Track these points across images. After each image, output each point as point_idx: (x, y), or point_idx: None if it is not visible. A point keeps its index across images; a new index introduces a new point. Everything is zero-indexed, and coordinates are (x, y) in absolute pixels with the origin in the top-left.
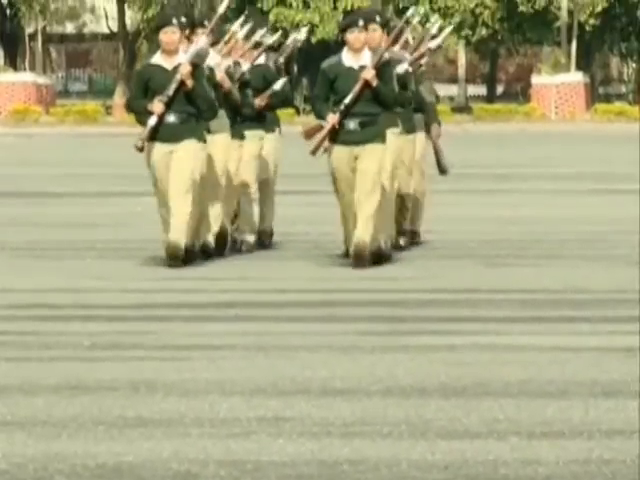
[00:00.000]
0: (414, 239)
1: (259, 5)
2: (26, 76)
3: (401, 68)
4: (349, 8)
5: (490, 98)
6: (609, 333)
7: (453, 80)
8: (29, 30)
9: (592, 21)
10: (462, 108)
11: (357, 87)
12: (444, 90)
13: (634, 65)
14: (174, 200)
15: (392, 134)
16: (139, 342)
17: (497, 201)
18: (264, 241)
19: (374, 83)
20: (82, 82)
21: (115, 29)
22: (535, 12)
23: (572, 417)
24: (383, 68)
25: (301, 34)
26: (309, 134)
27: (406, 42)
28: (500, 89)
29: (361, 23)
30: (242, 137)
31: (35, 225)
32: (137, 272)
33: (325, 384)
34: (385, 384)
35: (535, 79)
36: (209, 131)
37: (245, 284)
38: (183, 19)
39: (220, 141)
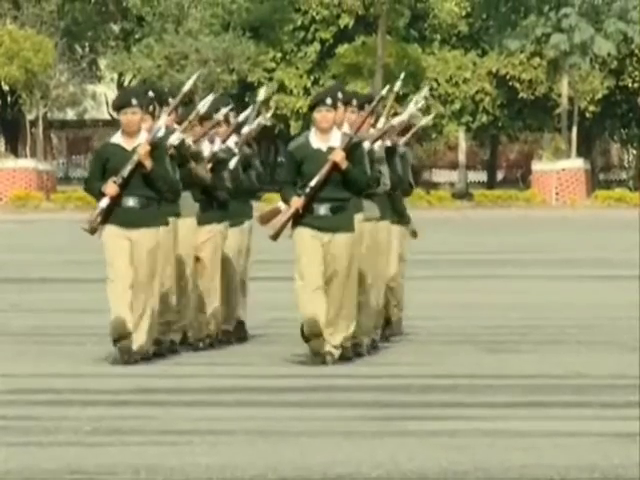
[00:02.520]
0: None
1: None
2: (27, 162)
3: (364, 146)
4: None
5: (490, 184)
6: (609, 418)
7: (453, 166)
8: (30, 117)
9: (592, 108)
10: (462, 194)
11: (324, 169)
12: (444, 176)
13: (634, 152)
14: (135, 293)
15: (359, 220)
16: (140, 427)
17: (497, 287)
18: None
19: (343, 166)
20: (83, 168)
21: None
22: (535, 99)
23: None
24: (353, 149)
25: (260, 95)
26: (265, 219)
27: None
28: (500, 175)
29: (329, 102)
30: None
31: (36, 311)
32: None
33: (326, 469)
34: (386, 469)
35: (535, 165)
36: (178, 215)
37: (245, 369)
38: (144, 99)
39: (184, 226)
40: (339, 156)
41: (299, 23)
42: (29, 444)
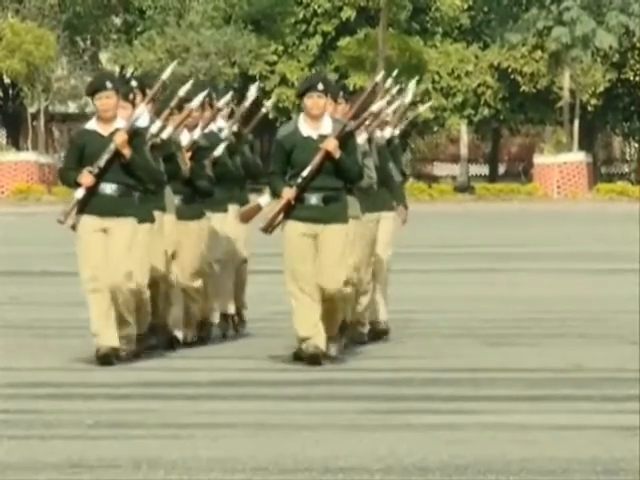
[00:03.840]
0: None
1: (262, 85)
2: (29, 155)
3: (361, 139)
4: (352, 88)
5: (492, 177)
6: (610, 412)
7: (455, 160)
8: (32, 110)
9: (594, 101)
10: (464, 187)
11: (317, 159)
12: (446, 170)
13: (636, 145)
14: (109, 290)
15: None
16: (141, 420)
17: (499, 280)
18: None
19: (337, 155)
20: None
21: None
22: (537, 92)
23: None
24: (346, 138)
25: (251, 92)
26: (246, 216)
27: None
28: (502, 169)
29: (320, 87)
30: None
31: (36, 304)
32: None
33: (327, 463)
34: (387, 462)
35: (537, 159)
36: (164, 209)
37: (246, 363)
38: (119, 83)
39: (167, 222)
40: (332, 145)
41: (301, 16)
42: (30, 437)
